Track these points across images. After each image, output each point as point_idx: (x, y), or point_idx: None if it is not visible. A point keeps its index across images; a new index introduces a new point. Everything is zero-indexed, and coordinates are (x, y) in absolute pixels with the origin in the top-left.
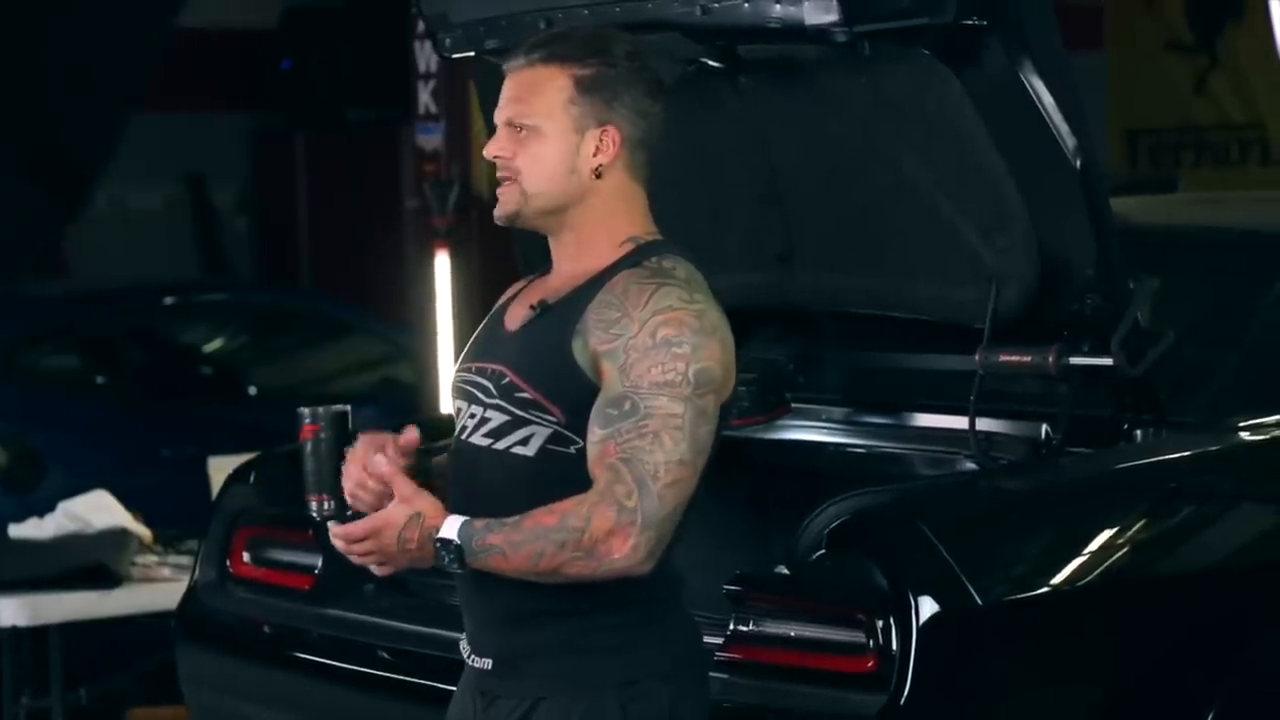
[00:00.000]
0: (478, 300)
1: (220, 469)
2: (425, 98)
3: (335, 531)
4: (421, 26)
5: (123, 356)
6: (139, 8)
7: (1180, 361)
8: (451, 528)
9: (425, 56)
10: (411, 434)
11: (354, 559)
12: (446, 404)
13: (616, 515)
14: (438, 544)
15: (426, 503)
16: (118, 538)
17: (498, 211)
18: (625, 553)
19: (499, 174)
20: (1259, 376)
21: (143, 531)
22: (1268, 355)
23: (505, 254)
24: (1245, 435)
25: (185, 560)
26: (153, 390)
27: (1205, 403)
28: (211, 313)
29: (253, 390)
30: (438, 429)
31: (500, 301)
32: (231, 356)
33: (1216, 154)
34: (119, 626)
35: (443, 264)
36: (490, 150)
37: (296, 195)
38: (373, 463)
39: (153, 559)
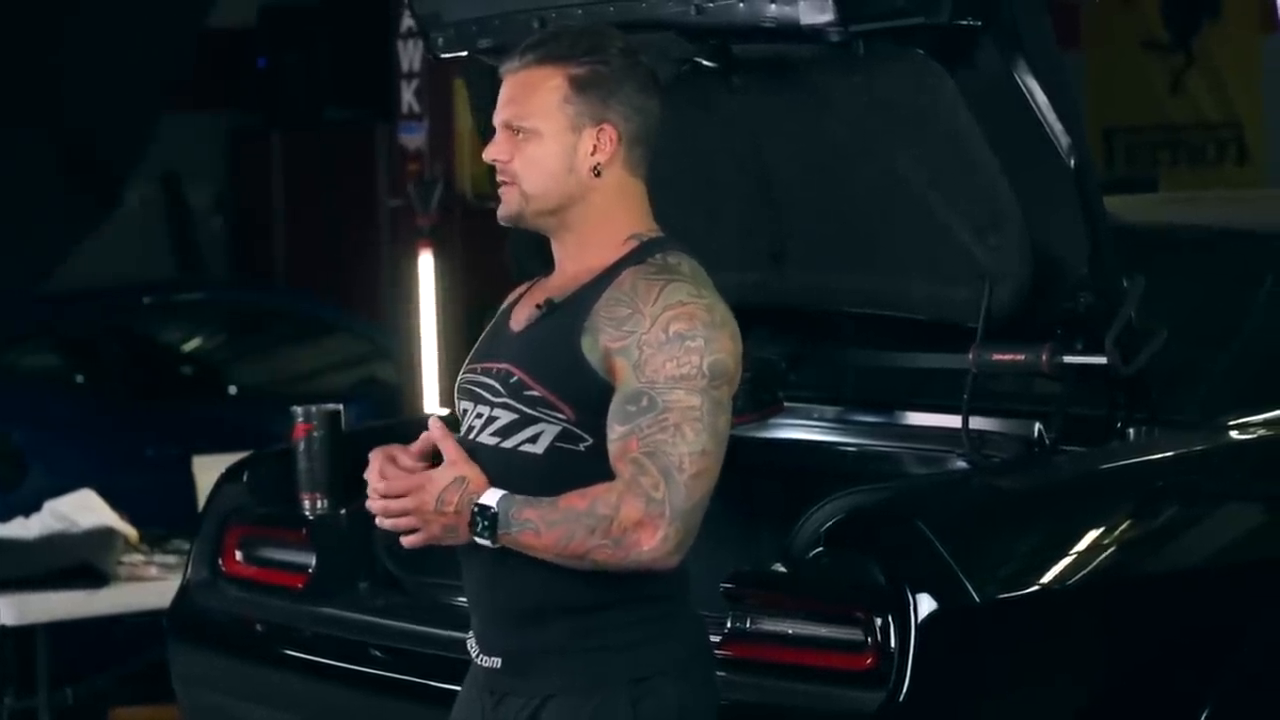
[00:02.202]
0: (461, 298)
1: (205, 468)
2: (408, 97)
3: (376, 487)
4: (405, 26)
5: (103, 356)
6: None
7: (1172, 360)
8: (492, 497)
9: (408, 56)
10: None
11: (386, 523)
12: (430, 402)
13: (645, 506)
14: (475, 509)
15: (472, 470)
16: (104, 537)
17: (500, 213)
18: (654, 544)
19: (498, 177)
20: (1251, 375)
21: (129, 531)
22: (1259, 354)
23: (488, 252)
24: (1240, 433)
25: (172, 559)
26: (133, 389)
27: (1198, 401)
28: (191, 312)
29: (233, 389)
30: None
31: (504, 305)
32: (211, 355)
33: (1193, 153)
34: (102, 626)
35: (426, 262)
36: (489, 154)
37: (272, 194)
38: (429, 424)
39: (139, 558)
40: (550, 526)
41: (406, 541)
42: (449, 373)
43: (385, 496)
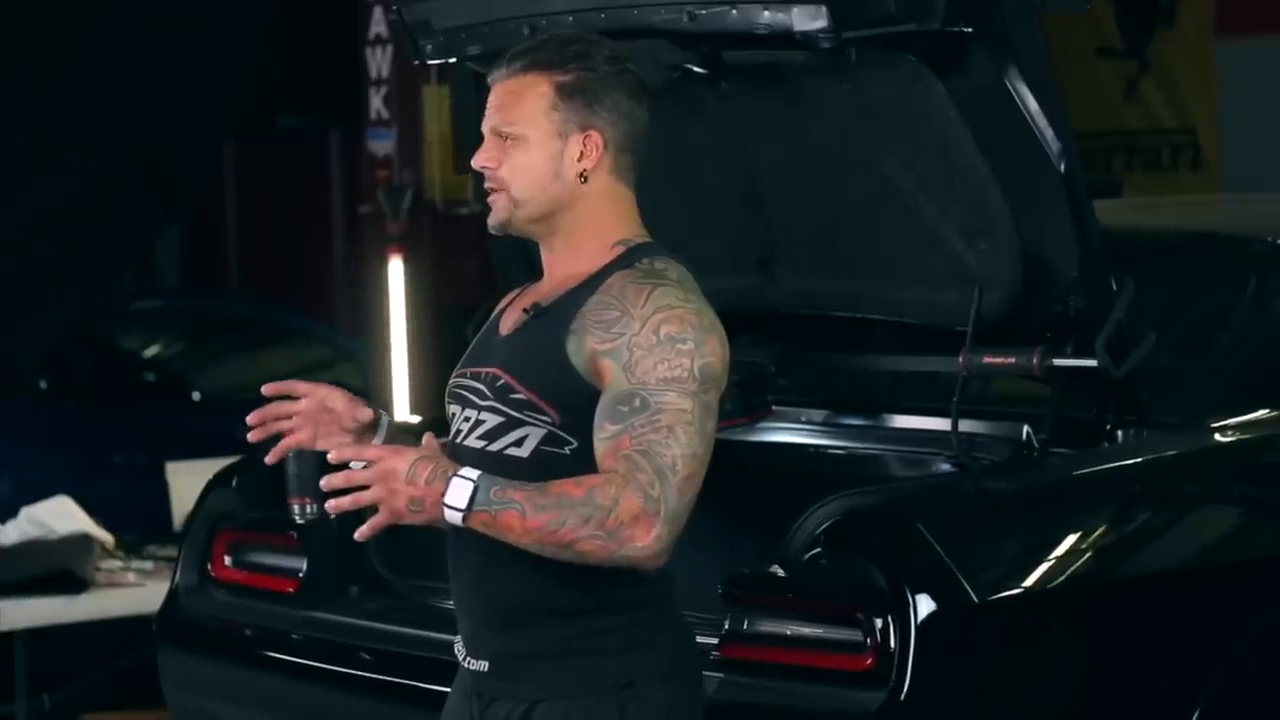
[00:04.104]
0: (430, 304)
1: (178, 473)
2: (377, 104)
3: (346, 452)
4: (373, 33)
5: (68, 363)
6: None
7: (1160, 363)
8: (472, 472)
9: (377, 62)
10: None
11: (344, 502)
12: (401, 407)
13: (643, 502)
14: (451, 478)
15: (448, 461)
16: (81, 543)
17: (490, 221)
18: (648, 542)
19: (486, 184)
20: (1238, 377)
21: (104, 537)
22: (1245, 356)
23: (457, 259)
24: (1228, 434)
25: (148, 565)
26: (99, 397)
27: (1186, 403)
28: (154, 319)
29: (197, 396)
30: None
31: (495, 311)
32: (176, 362)
33: (1148, 159)
34: (78, 632)
35: (396, 268)
36: (478, 160)
37: (226, 202)
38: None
39: (116, 564)
40: (539, 510)
41: (363, 531)
42: (418, 378)
43: (357, 458)
